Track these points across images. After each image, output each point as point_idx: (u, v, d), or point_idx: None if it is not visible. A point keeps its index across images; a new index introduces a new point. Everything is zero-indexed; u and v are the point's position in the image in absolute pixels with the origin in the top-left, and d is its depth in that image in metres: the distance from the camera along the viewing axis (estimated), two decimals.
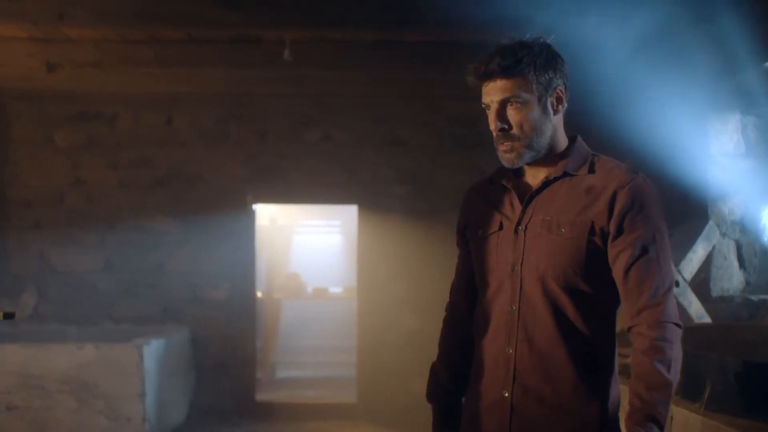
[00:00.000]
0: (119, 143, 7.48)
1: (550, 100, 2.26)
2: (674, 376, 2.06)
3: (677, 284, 4.58)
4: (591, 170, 2.26)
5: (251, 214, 7.67)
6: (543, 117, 2.25)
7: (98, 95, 7.31)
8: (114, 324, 7.43)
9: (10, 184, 7.52)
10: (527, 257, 2.24)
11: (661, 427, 2.03)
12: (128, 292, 7.49)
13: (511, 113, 2.24)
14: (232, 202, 7.51)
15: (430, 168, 7.65)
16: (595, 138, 5.94)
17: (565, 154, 2.30)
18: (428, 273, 7.32)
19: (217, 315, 7.46)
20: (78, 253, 7.50)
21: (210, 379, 7.43)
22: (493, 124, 2.28)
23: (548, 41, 2.32)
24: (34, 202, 7.51)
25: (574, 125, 2.42)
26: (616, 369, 2.24)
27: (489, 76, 2.25)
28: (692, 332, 4.03)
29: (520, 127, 2.23)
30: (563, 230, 2.20)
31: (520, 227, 2.27)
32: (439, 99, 7.44)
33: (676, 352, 2.09)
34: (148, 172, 7.47)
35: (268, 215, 9.69)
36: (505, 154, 2.28)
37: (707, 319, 4.64)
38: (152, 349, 6.22)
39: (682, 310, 4.60)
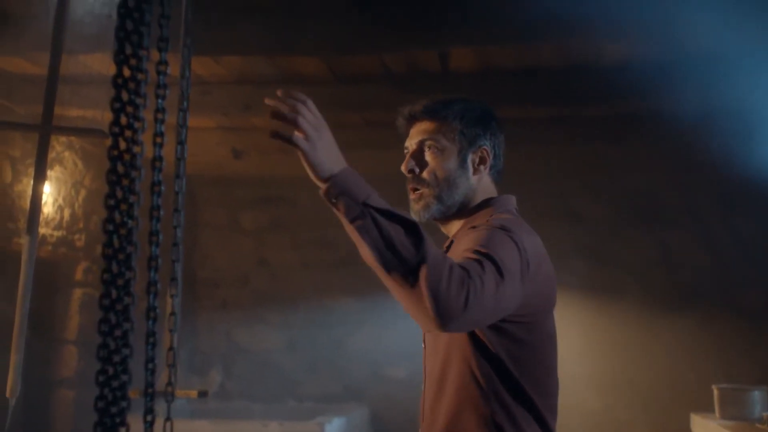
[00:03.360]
0: (301, 224, 7.73)
1: (471, 157, 2.14)
2: (426, 257, 1.61)
3: None
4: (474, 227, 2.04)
5: None
6: (459, 171, 2.12)
7: (281, 179, 7.61)
8: (297, 402, 7.58)
9: (199, 265, 7.89)
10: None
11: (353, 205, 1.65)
12: (310, 370, 7.63)
13: (427, 157, 2.12)
14: None
15: (610, 242, 7.47)
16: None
17: (470, 213, 2.14)
18: (612, 350, 7.11)
19: (397, 393, 7.46)
20: (263, 331, 7.74)
21: None
22: (404, 166, 2.16)
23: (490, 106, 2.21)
24: (222, 283, 7.83)
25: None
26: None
27: (414, 118, 2.16)
28: None
29: (433, 173, 2.11)
30: None
31: None
32: (618, 171, 7.29)
33: (455, 271, 1.64)
34: (330, 252, 7.65)
35: None
36: (413, 204, 2.14)
37: None
38: (334, 428, 6.28)
39: None
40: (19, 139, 5.54)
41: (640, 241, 7.33)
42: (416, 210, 2.13)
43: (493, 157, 2.18)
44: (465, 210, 2.14)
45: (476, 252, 1.77)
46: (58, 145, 5.98)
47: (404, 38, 4.35)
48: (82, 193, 6.39)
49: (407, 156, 2.17)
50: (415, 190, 2.14)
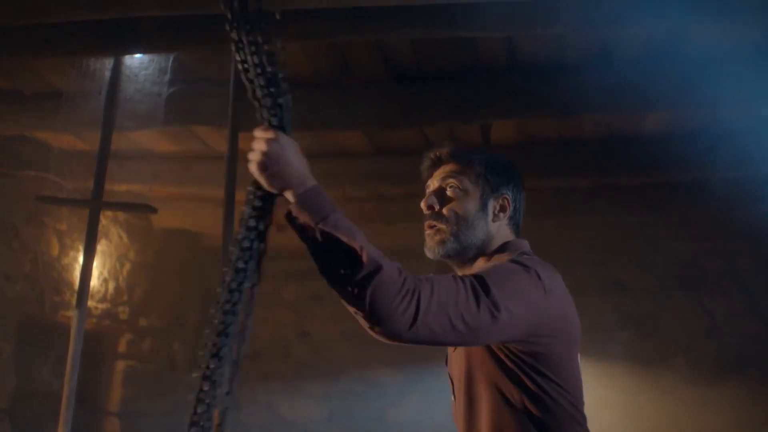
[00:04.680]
0: None
1: (492, 203, 2.12)
2: (366, 252, 1.63)
3: None
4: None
5: None
6: (479, 214, 2.09)
7: None
8: None
9: None
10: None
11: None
12: None
13: (448, 195, 2.10)
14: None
15: (654, 311, 7.39)
16: None
17: (488, 258, 2.09)
18: (658, 420, 6.97)
19: None
20: (304, 403, 7.70)
21: None
22: (424, 202, 2.13)
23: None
24: (263, 355, 7.83)
25: None
26: None
27: (440, 160, 2.16)
28: None
29: (453, 211, 2.08)
30: None
31: None
32: (660, 240, 7.26)
33: (403, 290, 1.63)
34: None
35: None
36: (429, 240, 2.11)
37: None
38: None
39: None
40: (66, 213, 5.65)
41: (685, 310, 7.24)
42: (431, 246, 2.12)
43: (513, 208, 2.17)
44: (481, 255, 2.11)
45: (470, 275, 1.79)
46: (104, 219, 6.07)
47: (446, 112, 4.40)
48: (127, 266, 6.47)
49: (427, 193, 2.16)
50: (432, 227, 2.11)
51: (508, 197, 2.15)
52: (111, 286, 6.25)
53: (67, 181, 5.39)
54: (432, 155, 2.20)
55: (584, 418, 2.04)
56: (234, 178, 3.48)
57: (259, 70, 1.63)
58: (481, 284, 1.76)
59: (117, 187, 5.38)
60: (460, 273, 2.13)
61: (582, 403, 2.06)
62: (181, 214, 6.45)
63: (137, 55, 3.85)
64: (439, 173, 2.16)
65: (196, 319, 7.44)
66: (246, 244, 1.65)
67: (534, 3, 3.32)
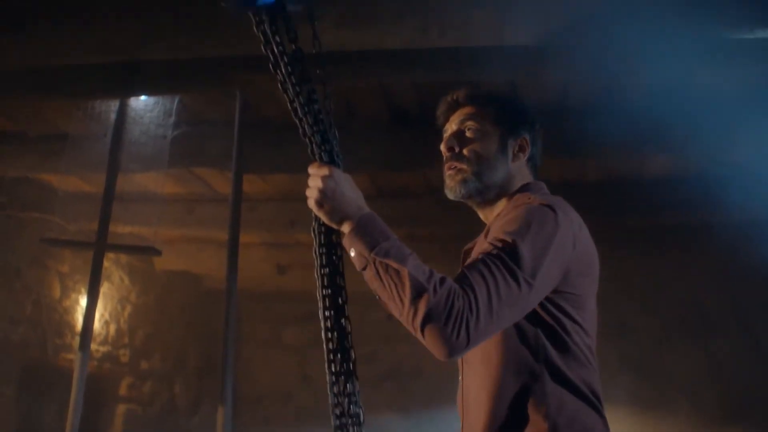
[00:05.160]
0: None
1: (511, 144, 2.08)
2: (413, 281, 1.61)
3: None
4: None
5: None
6: (499, 154, 2.06)
7: None
8: None
9: (241, 381, 7.84)
10: None
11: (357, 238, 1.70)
12: None
13: (468, 137, 2.07)
14: (453, 394, 7.46)
15: (657, 354, 7.34)
16: None
17: (509, 198, 2.06)
18: None
19: None
20: None
21: None
22: (443, 144, 2.09)
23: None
24: (264, 399, 7.77)
25: None
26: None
27: (457, 103, 2.14)
28: None
29: (473, 151, 2.04)
30: None
31: None
32: (664, 282, 7.23)
33: (453, 311, 1.59)
34: (372, 367, 7.59)
35: None
36: (449, 180, 2.05)
37: None
38: None
39: None
40: (69, 255, 5.64)
41: (687, 352, 7.19)
42: (452, 186, 2.06)
43: (531, 149, 2.14)
44: (503, 195, 2.08)
45: (493, 249, 1.73)
46: (106, 261, 6.02)
47: None
48: (128, 308, 6.44)
49: (446, 136, 2.12)
50: (452, 168, 2.07)
51: (526, 138, 2.13)
52: (112, 328, 6.23)
53: (70, 224, 5.39)
54: (449, 98, 2.17)
55: (595, 369, 2.02)
56: (238, 221, 3.48)
57: (306, 109, 1.68)
58: (513, 258, 1.72)
59: (121, 230, 5.39)
60: (481, 215, 2.14)
61: (594, 350, 2.05)
62: (183, 256, 6.45)
63: (142, 98, 3.87)
64: (457, 116, 2.14)
65: (197, 362, 7.40)
66: (322, 280, 1.74)
67: (538, 48, 3.33)
